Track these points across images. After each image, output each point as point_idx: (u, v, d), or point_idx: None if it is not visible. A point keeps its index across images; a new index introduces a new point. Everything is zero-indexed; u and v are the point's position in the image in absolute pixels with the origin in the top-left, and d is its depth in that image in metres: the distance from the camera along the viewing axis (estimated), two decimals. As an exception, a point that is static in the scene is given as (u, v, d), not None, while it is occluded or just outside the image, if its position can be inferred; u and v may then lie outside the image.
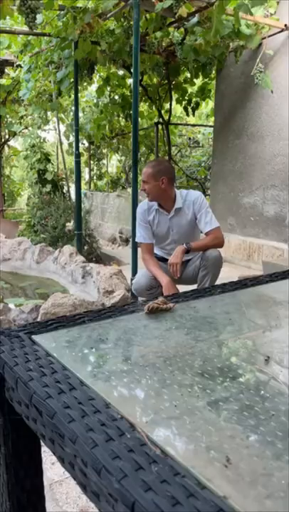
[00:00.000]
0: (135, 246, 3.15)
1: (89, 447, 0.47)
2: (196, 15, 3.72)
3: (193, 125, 7.30)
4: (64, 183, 6.12)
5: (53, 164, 6.42)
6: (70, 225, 5.14)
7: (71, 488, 1.49)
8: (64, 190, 6.06)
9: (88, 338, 0.75)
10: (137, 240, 2.65)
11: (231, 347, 0.74)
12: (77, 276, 4.06)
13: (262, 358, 0.68)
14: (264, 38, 4.19)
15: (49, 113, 6.33)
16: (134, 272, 3.24)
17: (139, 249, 2.78)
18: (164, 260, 2.62)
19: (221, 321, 0.85)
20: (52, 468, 1.59)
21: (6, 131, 6.33)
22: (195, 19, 3.80)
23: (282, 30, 4.13)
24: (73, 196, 5.35)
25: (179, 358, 0.68)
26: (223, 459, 0.45)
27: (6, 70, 5.64)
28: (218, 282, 2.09)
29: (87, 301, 2.97)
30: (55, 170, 6.56)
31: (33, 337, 0.74)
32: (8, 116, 6.50)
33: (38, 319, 2.74)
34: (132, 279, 3.32)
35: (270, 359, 0.68)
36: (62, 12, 3.70)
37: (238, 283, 1.05)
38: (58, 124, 5.86)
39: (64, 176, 6.10)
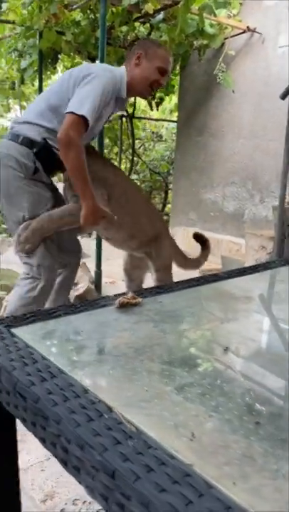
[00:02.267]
0: (99, 238, 3.18)
1: (72, 427, 0.53)
2: (162, 12, 3.78)
3: (157, 119, 7.37)
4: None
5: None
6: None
7: (36, 475, 1.54)
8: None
9: (64, 330, 0.81)
10: (85, 112, 1.71)
11: (193, 338, 0.82)
12: (39, 268, 4.05)
13: (221, 348, 0.77)
14: (226, 38, 4.30)
15: (11, 101, 6.21)
16: (99, 264, 3.29)
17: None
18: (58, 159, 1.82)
19: (184, 315, 0.93)
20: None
21: None
22: (160, 16, 3.86)
23: (244, 32, 4.25)
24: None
25: (147, 348, 0.75)
26: (188, 434, 0.53)
27: None
28: (180, 277, 2.15)
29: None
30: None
31: (12, 330, 0.80)
32: None
33: (1, 311, 2.74)
34: (96, 272, 3.37)
35: (228, 349, 0.77)
36: (27, 1, 3.65)
37: (200, 279, 1.14)
38: (21, 112, 5.77)
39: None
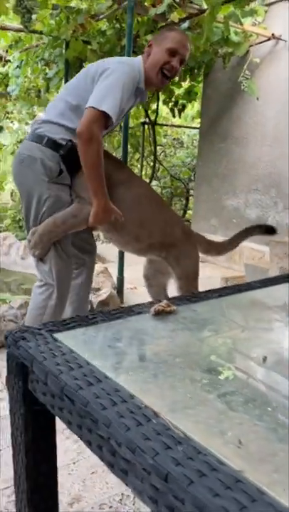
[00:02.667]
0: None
1: (123, 430, 0.55)
2: (187, 20, 3.81)
3: (179, 126, 7.41)
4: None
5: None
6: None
7: (64, 478, 1.57)
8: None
9: (104, 336, 0.84)
10: (106, 107, 1.68)
11: (231, 347, 0.84)
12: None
13: (259, 358, 0.78)
14: (251, 45, 4.31)
15: (35, 108, 6.33)
16: (121, 270, 3.32)
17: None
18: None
19: (219, 323, 0.94)
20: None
21: (-8, 125, 6.32)
22: (186, 24, 3.89)
23: (269, 39, 4.26)
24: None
25: (187, 356, 0.77)
26: (235, 441, 0.54)
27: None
28: (205, 285, 2.08)
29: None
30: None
31: (54, 335, 0.82)
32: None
33: (28, 315, 2.79)
34: (118, 277, 3.40)
35: (266, 358, 0.78)
36: (55, 11, 3.74)
37: (233, 288, 1.15)
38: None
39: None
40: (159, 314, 0.95)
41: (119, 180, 1.94)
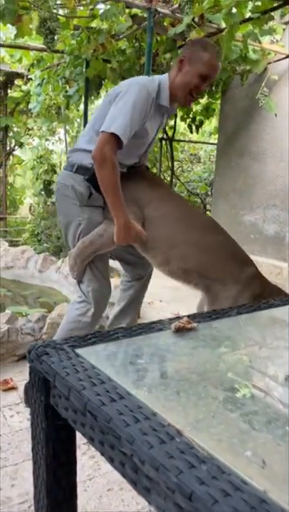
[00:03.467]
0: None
1: (146, 448, 0.55)
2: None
3: (196, 142, 7.47)
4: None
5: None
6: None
7: (79, 494, 1.56)
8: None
9: (125, 353, 0.84)
10: (114, 129, 1.72)
11: (252, 365, 0.83)
12: (80, 286, 4.13)
13: (282, 376, 0.78)
14: (269, 63, 4.35)
15: (54, 124, 6.47)
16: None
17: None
18: None
19: (240, 341, 0.94)
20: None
21: (13, 141, 6.46)
22: (204, 43, 3.95)
23: (287, 57, 4.29)
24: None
25: (208, 374, 0.77)
26: (259, 461, 0.54)
27: (15, 82, 5.78)
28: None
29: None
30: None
31: (77, 350, 0.83)
32: (14, 126, 6.64)
33: (45, 329, 2.81)
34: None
35: (289, 377, 0.77)
36: (76, 32, 3.84)
37: (252, 305, 1.15)
38: (66, 136, 6.00)
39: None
40: (180, 331, 0.96)
41: (152, 198, 1.96)
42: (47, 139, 6.42)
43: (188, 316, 1.03)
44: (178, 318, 1.02)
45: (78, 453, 1.70)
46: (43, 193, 6.15)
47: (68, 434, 0.84)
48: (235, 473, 0.52)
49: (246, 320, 1.06)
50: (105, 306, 2.05)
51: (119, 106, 1.77)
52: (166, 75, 1.95)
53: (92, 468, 1.67)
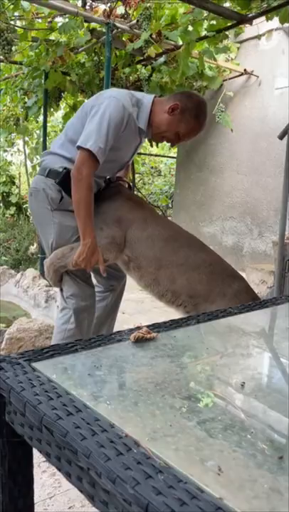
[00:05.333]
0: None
1: (102, 461, 0.55)
2: (163, 55, 3.96)
3: (157, 155, 7.57)
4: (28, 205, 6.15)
5: (17, 187, 6.44)
6: (33, 248, 5.15)
7: (40, 513, 1.52)
8: (28, 213, 6.08)
9: (83, 365, 0.83)
10: (90, 145, 1.72)
11: (210, 374, 0.84)
12: (40, 300, 4.07)
13: (238, 384, 0.79)
14: (225, 80, 4.50)
15: (13, 135, 6.38)
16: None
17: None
18: None
19: (198, 350, 0.95)
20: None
21: None
22: (162, 59, 4.04)
23: (241, 74, 4.46)
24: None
25: (167, 383, 0.77)
26: (215, 469, 0.55)
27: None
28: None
29: (53, 325, 3.00)
30: (20, 193, 6.58)
31: (33, 364, 0.81)
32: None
33: (3, 344, 2.73)
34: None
35: (244, 384, 0.79)
36: (35, 43, 3.83)
37: (210, 314, 1.16)
38: (25, 147, 5.92)
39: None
40: (139, 341, 0.95)
41: (135, 219, 1.94)
42: (5, 150, 6.32)
43: (148, 326, 1.04)
44: (138, 328, 1.01)
45: (38, 471, 1.66)
46: (1, 204, 6.02)
47: (24, 452, 0.81)
48: (191, 481, 0.52)
49: (204, 328, 1.07)
50: (89, 310, 1.98)
51: (95, 121, 1.77)
52: (150, 97, 1.92)
53: (53, 486, 1.62)
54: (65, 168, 1.88)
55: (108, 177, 2.09)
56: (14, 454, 0.80)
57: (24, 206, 6.08)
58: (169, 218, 6.92)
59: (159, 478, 0.52)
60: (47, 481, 1.65)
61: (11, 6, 3.16)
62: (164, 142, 2.03)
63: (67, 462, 0.64)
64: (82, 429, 0.61)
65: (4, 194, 5.91)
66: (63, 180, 1.86)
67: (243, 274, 4.29)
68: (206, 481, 0.52)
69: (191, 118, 1.87)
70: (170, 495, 0.49)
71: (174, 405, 0.70)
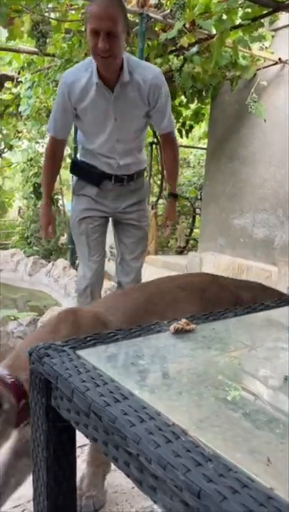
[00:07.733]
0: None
1: (152, 447, 0.56)
2: (196, 45, 3.91)
3: (186, 146, 7.51)
4: (59, 197, 6.23)
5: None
6: (64, 239, 5.22)
7: None
8: (59, 204, 6.15)
9: (126, 354, 0.85)
10: (47, 130, 2.07)
11: (251, 366, 0.85)
12: (70, 289, 4.13)
13: (281, 377, 0.79)
14: (259, 69, 4.41)
15: (45, 127, 6.45)
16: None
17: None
18: (94, 171, 1.98)
19: (239, 343, 0.95)
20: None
21: (3, 143, 6.42)
22: (195, 49, 3.99)
23: (276, 63, 4.35)
24: (68, 210, 5.46)
25: (209, 374, 0.78)
26: (264, 459, 0.55)
27: (5, 85, 5.75)
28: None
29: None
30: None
31: (78, 352, 0.84)
32: (3, 128, 6.61)
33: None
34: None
35: (288, 378, 0.79)
36: (68, 35, 3.85)
37: (248, 307, 1.16)
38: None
39: (59, 190, 6.21)
40: (178, 333, 0.96)
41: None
42: (37, 142, 6.40)
43: (187, 318, 1.04)
44: (175, 320, 1.02)
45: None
46: (32, 195, 6.12)
47: (69, 436, 0.84)
48: (241, 470, 0.53)
49: (243, 321, 1.07)
50: (88, 286, 2.12)
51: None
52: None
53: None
54: (75, 156, 2.27)
55: (121, 162, 1.99)
56: (59, 439, 0.83)
57: (55, 197, 6.17)
58: (198, 210, 6.87)
59: (209, 466, 0.53)
60: (80, 466, 1.69)
61: (46, -2, 3.19)
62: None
63: (115, 447, 0.65)
64: (130, 415, 0.62)
65: (36, 185, 6.01)
66: (71, 168, 2.17)
67: (272, 268, 4.23)
68: (255, 471, 0.53)
69: (90, 9, 1.73)
70: (221, 483, 0.50)
71: (217, 396, 0.70)
